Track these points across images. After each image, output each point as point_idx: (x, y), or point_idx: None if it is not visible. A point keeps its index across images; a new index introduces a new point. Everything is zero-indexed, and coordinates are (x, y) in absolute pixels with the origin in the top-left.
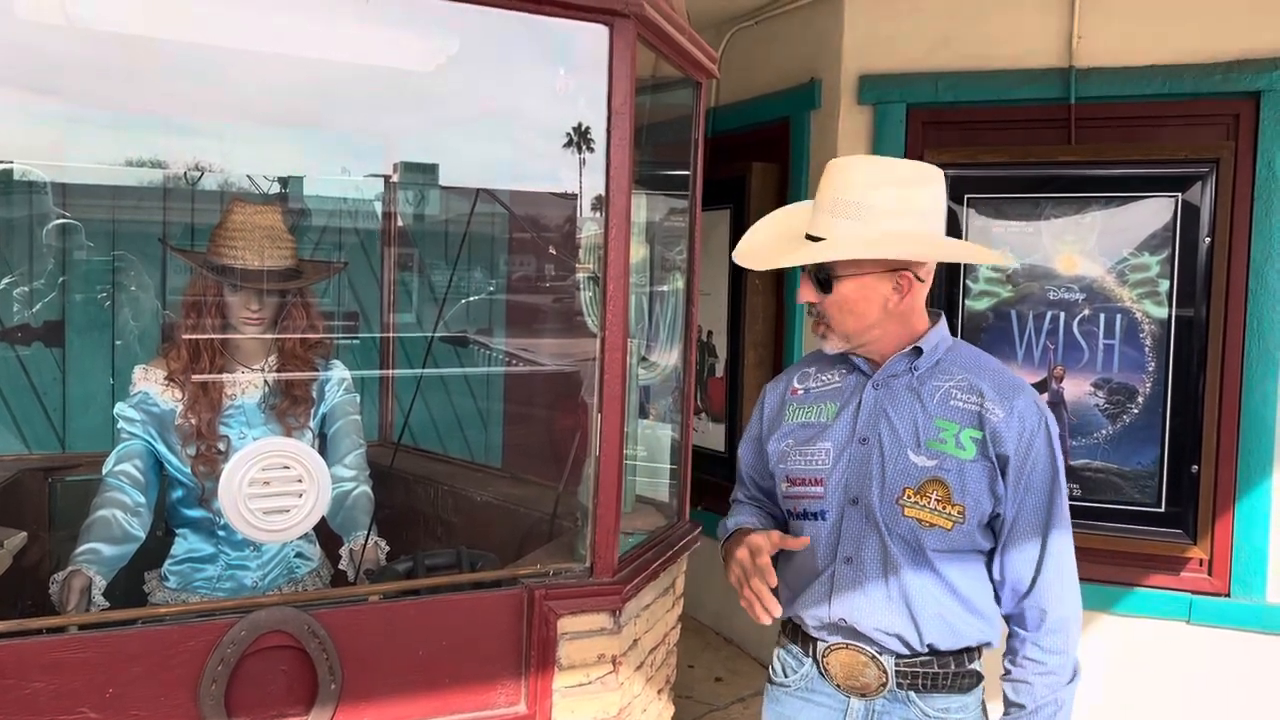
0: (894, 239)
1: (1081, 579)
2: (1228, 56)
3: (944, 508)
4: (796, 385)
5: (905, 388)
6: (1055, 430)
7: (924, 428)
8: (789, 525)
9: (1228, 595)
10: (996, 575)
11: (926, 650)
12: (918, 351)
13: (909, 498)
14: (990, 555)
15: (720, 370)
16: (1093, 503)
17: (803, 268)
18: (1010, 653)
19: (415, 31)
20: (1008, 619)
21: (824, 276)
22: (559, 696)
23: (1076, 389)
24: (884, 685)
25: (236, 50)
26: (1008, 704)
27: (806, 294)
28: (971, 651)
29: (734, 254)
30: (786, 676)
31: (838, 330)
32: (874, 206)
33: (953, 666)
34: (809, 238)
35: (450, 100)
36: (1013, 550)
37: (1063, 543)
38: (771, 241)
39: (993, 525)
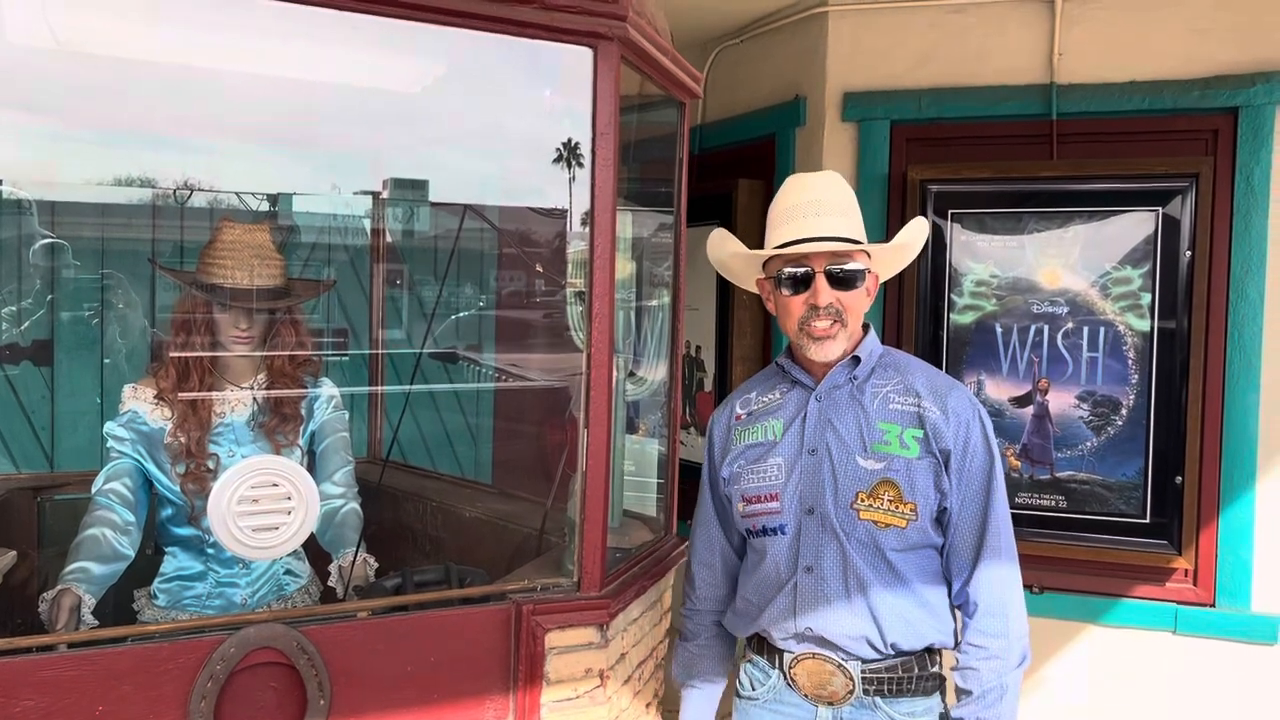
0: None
1: (1067, 590)
2: (1206, 73)
3: (897, 507)
4: (740, 411)
5: (847, 397)
6: (989, 423)
7: (868, 432)
8: (746, 545)
9: (1213, 605)
10: (945, 565)
11: (891, 651)
12: (855, 361)
13: (862, 501)
14: (942, 550)
15: (708, 385)
16: (1078, 514)
17: (813, 269)
18: (957, 643)
19: (402, 53)
20: (956, 610)
21: (850, 271)
22: (547, 711)
23: (1061, 401)
24: (851, 693)
25: (226, 71)
26: (957, 692)
27: (828, 294)
28: (932, 653)
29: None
30: (754, 689)
31: (850, 328)
32: (848, 206)
33: (915, 670)
34: (803, 240)
35: (438, 119)
36: (957, 539)
37: (1000, 528)
38: (737, 261)
39: (941, 520)
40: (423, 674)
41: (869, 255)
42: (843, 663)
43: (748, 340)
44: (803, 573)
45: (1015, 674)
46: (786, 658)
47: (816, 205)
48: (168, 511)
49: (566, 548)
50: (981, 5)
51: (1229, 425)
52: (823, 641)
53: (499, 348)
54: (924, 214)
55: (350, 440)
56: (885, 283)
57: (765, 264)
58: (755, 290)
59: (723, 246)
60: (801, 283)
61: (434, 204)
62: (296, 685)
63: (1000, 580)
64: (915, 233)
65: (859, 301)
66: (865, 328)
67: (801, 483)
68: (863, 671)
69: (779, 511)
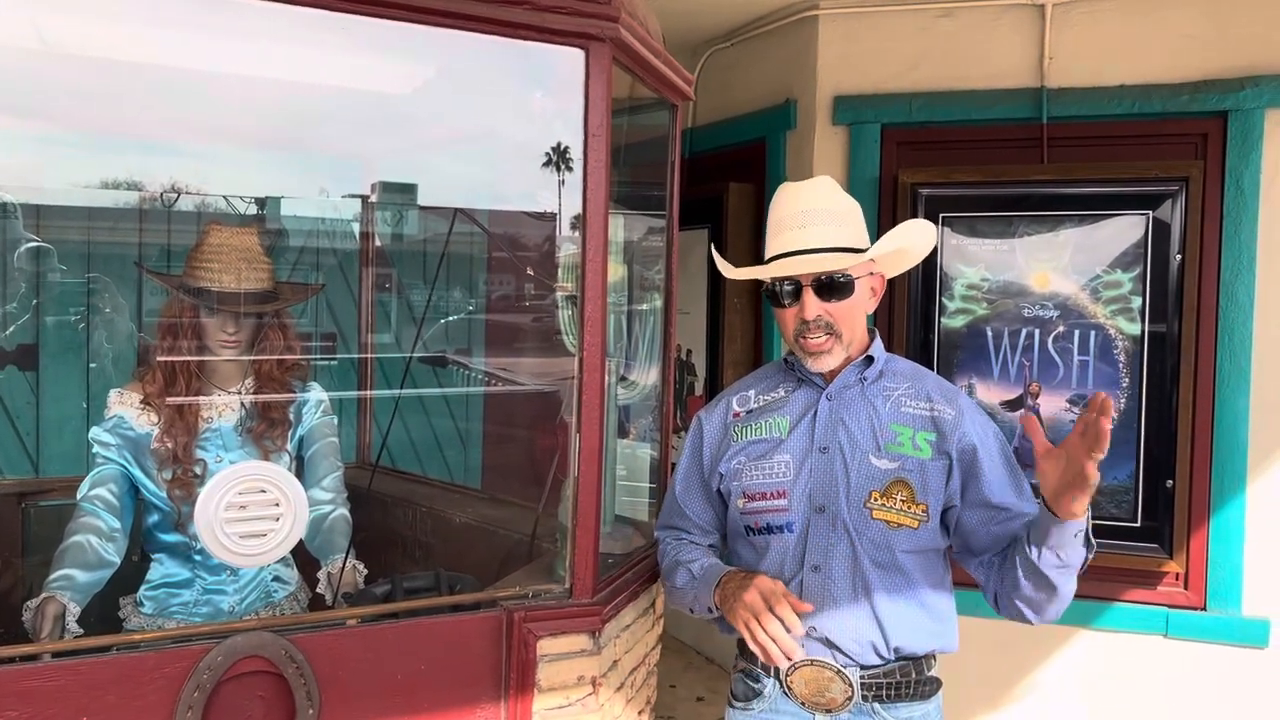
0: (888, 240)
1: None
2: (1196, 77)
3: (909, 507)
4: (737, 408)
5: (858, 397)
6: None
7: (881, 432)
8: (742, 543)
9: (1204, 609)
10: (977, 541)
11: (893, 655)
12: (868, 361)
13: (876, 500)
14: (946, 554)
15: (699, 389)
16: None
17: (800, 283)
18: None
19: (392, 55)
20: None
21: (839, 282)
22: (538, 719)
23: (1052, 405)
24: (850, 699)
25: (213, 73)
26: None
27: (815, 307)
28: (931, 657)
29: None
30: (748, 699)
31: (845, 338)
32: (839, 211)
33: (914, 674)
34: (790, 254)
35: (428, 122)
36: (1000, 518)
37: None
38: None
39: (945, 521)
40: (413, 682)
41: (873, 260)
42: (842, 669)
43: (738, 344)
44: (809, 571)
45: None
46: (783, 664)
47: (803, 216)
48: (154, 518)
49: (558, 553)
50: (972, 9)
51: (1219, 429)
52: (826, 643)
53: (489, 352)
54: (914, 217)
55: (339, 445)
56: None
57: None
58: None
59: (719, 264)
60: (792, 296)
61: (423, 207)
62: (285, 694)
63: None
64: (912, 235)
65: (851, 310)
66: (873, 332)
67: (812, 481)
68: (862, 677)
69: (786, 509)
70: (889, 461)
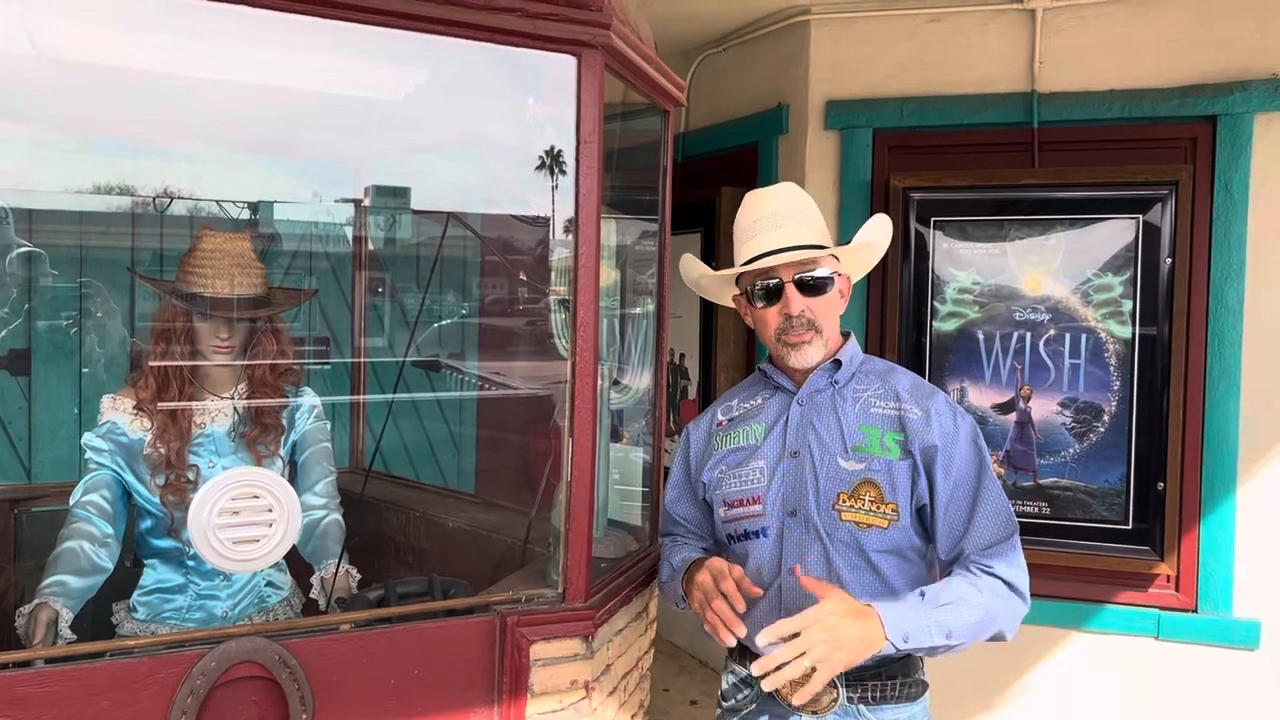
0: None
1: (1051, 596)
2: (1185, 81)
3: (878, 507)
4: (721, 418)
5: (828, 400)
6: (975, 427)
7: (849, 434)
8: (727, 550)
9: (1195, 611)
10: (932, 549)
11: (876, 656)
12: (837, 364)
13: (844, 502)
14: (925, 555)
15: (693, 392)
16: (1061, 521)
17: (782, 280)
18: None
19: (384, 60)
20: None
21: (819, 278)
22: None
23: (1044, 408)
24: (835, 701)
25: (206, 78)
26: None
27: (799, 303)
28: (915, 659)
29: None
30: (736, 700)
31: (825, 333)
32: (809, 214)
33: (899, 676)
34: (769, 254)
35: (420, 127)
36: (947, 519)
37: (996, 501)
38: (709, 282)
39: (923, 518)
40: (406, 687)
41: (836, 259)
42: None
43: (731, 348)
44: (787, 575)
45: (975, 621)
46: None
47: (777, 217)
48: (147, 523)
49: (551, 558)
50: (962, 14)
51: (1210, 431)
52: None
53: (482, 356)
54: (906, 221)
55: (332, 450)
56: (868, 290)
57: (738, 280)
58: (734, 306)
59: (692, 269)
60: (773, 294)
61: (416, 211)
62: (278, 699)
63: (998, 539)
64: (877, 230)
65: (831, 306)
66: (846, 335)
67: (784, 485)
68: (847, 679)
69: (761, 514)
70: (856, 463)
